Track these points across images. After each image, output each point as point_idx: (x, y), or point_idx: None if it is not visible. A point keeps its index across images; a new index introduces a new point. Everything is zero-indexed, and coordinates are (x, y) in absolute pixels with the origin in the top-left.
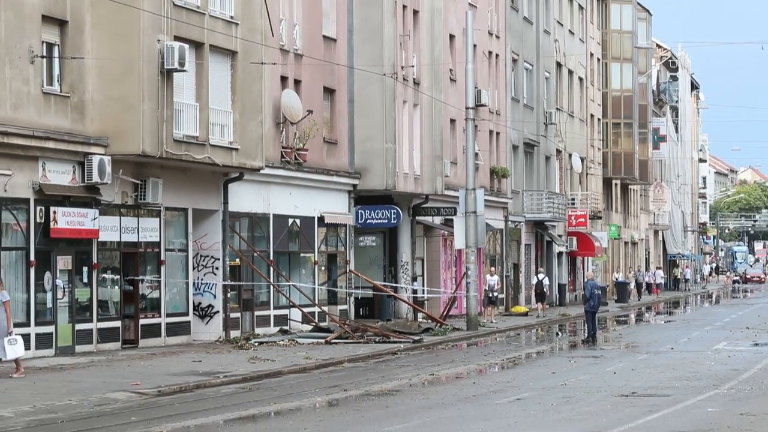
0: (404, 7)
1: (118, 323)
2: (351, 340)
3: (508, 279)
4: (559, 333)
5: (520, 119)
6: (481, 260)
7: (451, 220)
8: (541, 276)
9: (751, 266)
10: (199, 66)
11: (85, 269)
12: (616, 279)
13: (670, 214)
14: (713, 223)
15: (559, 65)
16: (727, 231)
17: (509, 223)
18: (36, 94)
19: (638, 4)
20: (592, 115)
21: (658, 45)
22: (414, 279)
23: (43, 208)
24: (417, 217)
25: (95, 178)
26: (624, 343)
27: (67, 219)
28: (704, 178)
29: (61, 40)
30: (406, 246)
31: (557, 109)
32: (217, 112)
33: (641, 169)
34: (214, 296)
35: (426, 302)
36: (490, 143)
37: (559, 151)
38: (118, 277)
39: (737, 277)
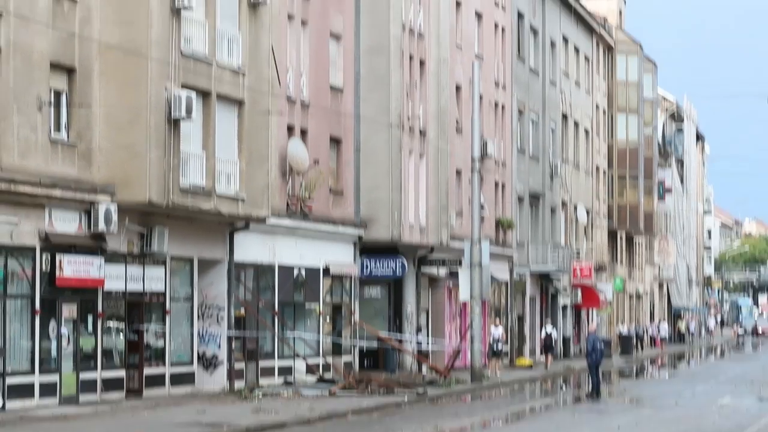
0: (411, 57)
1: (122, 373)
2: (355, 392)
3: (512, 331)
4: (564, 386)
5: (525, 170)
6: (486, 312)
7: (457, 271)
8: (549, 328)
9: (756, 319)
10: (206, 115)
11: (90, 318)
12: (620, 332)
13: (675, 266)
14: (718, 275)
15: (565, 116)
16: (731, 283)
17: (514, 274)
18: (43, 142)
19: (644, 55)
20: (597, 167)
21: (663, 98)
22: (418, 330)
23: (49, 256)
24: (422, 268)
25: (101, 226)
26: (628, 397)
27: (72, 267)
28: (709, 231)
29: (69, 88)
30: (411, 297)
31: (563, 160)
32: (224, 161)
33: (646, 221)
34: (219, 346)
35: (430, 354)
36: (495, 194)
37: (564, 203)
38: (123, 326)
39: (743, 330)
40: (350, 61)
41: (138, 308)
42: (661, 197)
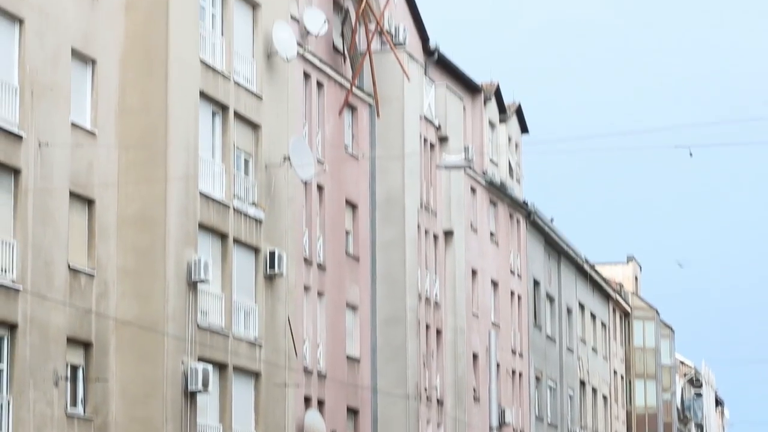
0: (428, 326)
1: None
2: None
3: None
4: None
5: None
6: None
7: None
8: None
9: None
10: (223, 387)
11: None
12: None
13: None
14: None
15: (582, 383)
16: None
17: None
18: (59, 417)
19: (661, 320)
20: None
21: (681, 362)
22: None
23: None
24: None
25: None
26: None
27: None
28: None
29: (86, 362)
30: None
31: (581, 427)
32: None
33: None
34: None
35: None
36: None
37: None
38: None
39: None
40: (367, 332)
41: None
42: None
